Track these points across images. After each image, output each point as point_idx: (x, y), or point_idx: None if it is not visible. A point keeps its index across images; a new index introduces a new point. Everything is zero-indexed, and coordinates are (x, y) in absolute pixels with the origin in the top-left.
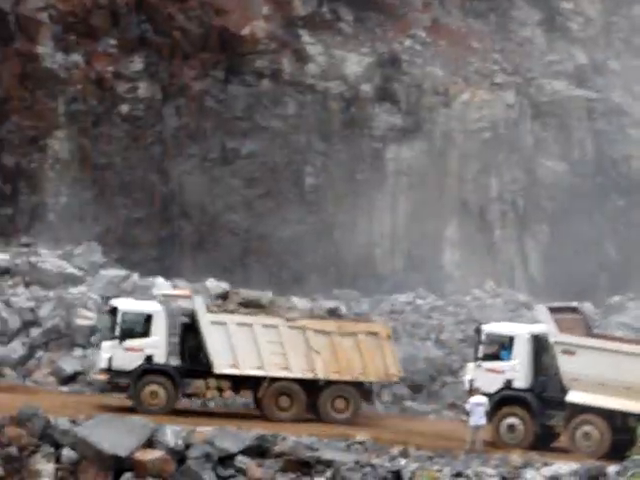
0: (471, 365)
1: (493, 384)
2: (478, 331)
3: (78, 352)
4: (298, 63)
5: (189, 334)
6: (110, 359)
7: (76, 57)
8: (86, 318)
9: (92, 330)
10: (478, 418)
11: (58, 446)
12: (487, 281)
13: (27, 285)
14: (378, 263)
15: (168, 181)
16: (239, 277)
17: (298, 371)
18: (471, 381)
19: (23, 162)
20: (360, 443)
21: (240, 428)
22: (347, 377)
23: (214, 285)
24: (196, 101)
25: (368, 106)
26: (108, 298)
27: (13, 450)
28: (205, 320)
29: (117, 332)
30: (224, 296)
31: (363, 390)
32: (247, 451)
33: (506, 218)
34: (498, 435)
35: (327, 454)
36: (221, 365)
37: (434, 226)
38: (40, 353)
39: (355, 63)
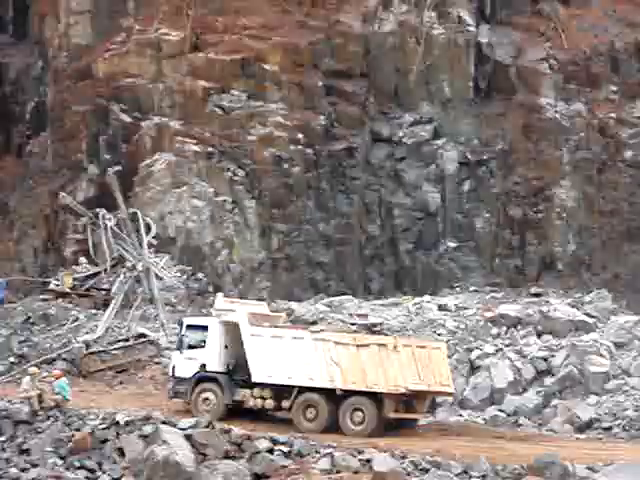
0: None
1: None
2: None
3: (593, 399)
4: None
5: (238, 346)
6: (174, 367)
7: (578, 105)
8: (600, 365)
9: (606, 377)
10: None
11: None
12: None
13: (539, 334)
14: None
15: None
16: None
17: (320, 381)
18: None
19: (530, 213)
20: None
21: None
22: (361, 387)
23: None
24: None
25: None
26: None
27: None
28: (246, 332)
29: (180, 343)
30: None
31: (381, 400)
32: None
33: None
34: None
35: None
36: (258, 374)
37: None
38: (555, 401)
39: None
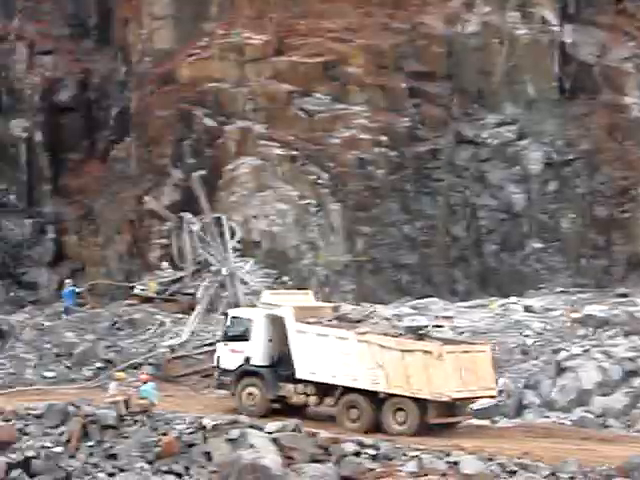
0: None
1: None
2: None
3: None
4: None
5: (283, 340)
6: (219, 358)
7: None
8: None
9: None
10: None
11: None
12: None
13: (626, 335)
14: None
15: None
16: None
17: (364, 383)
18: None
19: (616, 213)
20: None
21: None
22: (406, 392)
23: None
24: None
25: None
26: None
27: None
28: (292, 328)
29: (225, 335)
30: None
31: (424, 405)
32: None
33: None
34: None
35: None
36: (302, 371)
37: None
38: None
39: None
